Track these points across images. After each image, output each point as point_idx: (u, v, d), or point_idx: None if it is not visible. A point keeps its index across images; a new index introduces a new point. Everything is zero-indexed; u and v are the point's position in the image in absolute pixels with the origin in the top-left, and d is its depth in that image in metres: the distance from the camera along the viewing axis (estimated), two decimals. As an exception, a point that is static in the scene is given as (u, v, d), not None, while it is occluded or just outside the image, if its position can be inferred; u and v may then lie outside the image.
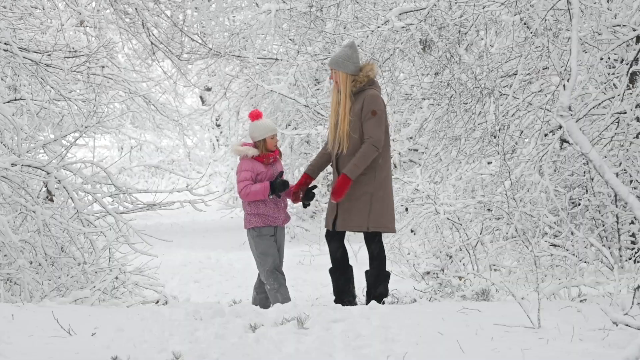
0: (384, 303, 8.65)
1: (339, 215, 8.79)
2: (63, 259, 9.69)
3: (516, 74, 10.05)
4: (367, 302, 8.75)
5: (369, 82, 8.74)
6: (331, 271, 8.95)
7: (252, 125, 9.12)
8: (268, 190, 8.88)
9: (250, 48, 18.10)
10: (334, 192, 8.69)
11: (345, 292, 8.85)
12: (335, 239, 8.89)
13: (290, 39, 18.28)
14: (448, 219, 12.83)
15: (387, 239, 14.29)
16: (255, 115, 9.13)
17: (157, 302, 10.18)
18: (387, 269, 8.90)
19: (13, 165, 9.52)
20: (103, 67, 15.62)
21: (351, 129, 8.66)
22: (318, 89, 19.91)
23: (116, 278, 9.84)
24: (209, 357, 6.16)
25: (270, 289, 9.01)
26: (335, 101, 8.82)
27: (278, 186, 8.92)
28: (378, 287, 8.80)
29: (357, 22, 12.54)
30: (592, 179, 10.83)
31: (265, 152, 9.08)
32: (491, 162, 12.89)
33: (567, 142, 10.83)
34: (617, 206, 10.62)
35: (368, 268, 8.89)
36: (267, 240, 9.07)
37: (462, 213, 12.79)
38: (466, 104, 11.01)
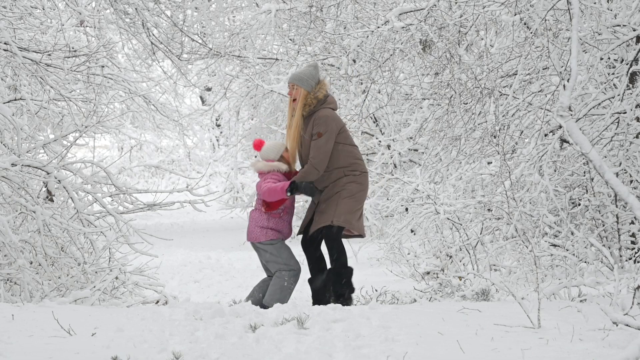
0: (351, 299, 8.89)
1: (314, 219, 9.01)
2: (63, 259, 9.68)
3: (516, 74, 10.05)
4: (336, 301, 8.81)
5: (319, 103, 9.02)
6: (309, 281, 9.12)
7: (263, 151, 9.25)
8: (287, 187, 8.94)
9: (250, 48, 18.09)
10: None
11: (322, 301, 8.94)
12: (309, 249, 9.05)
13: (290, 39, 18.27)
14: (448, 219, 12.82)
15: (387, 238, 14.28)
16: (259, 144, 9.29)
17: (157, 302, 10.18)
18: (349, 266, 9.04)
19: (13, 165, 9.51)
20: (103, 67, 15.62)
21: (304, 148, 9.02)
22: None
23: (116, 278, 9.83)
24: (209, 357, 6.16)
25: (285, 286, 9.12)
26: (290, 116, 9.09)
27: (301, 187, 8.99)
28: (343, 287, 8.91)
29: (357, 22, 12.54)
30: (592, 179, 10.83)
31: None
32: (491, 162, 12.88)
33: (567, 142, 10.82)
34: (617, 206, 10.62)
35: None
36: (286, 246, 9.27)
37: (462, 213, 12.78)
38: (466, 104, 11.00)
